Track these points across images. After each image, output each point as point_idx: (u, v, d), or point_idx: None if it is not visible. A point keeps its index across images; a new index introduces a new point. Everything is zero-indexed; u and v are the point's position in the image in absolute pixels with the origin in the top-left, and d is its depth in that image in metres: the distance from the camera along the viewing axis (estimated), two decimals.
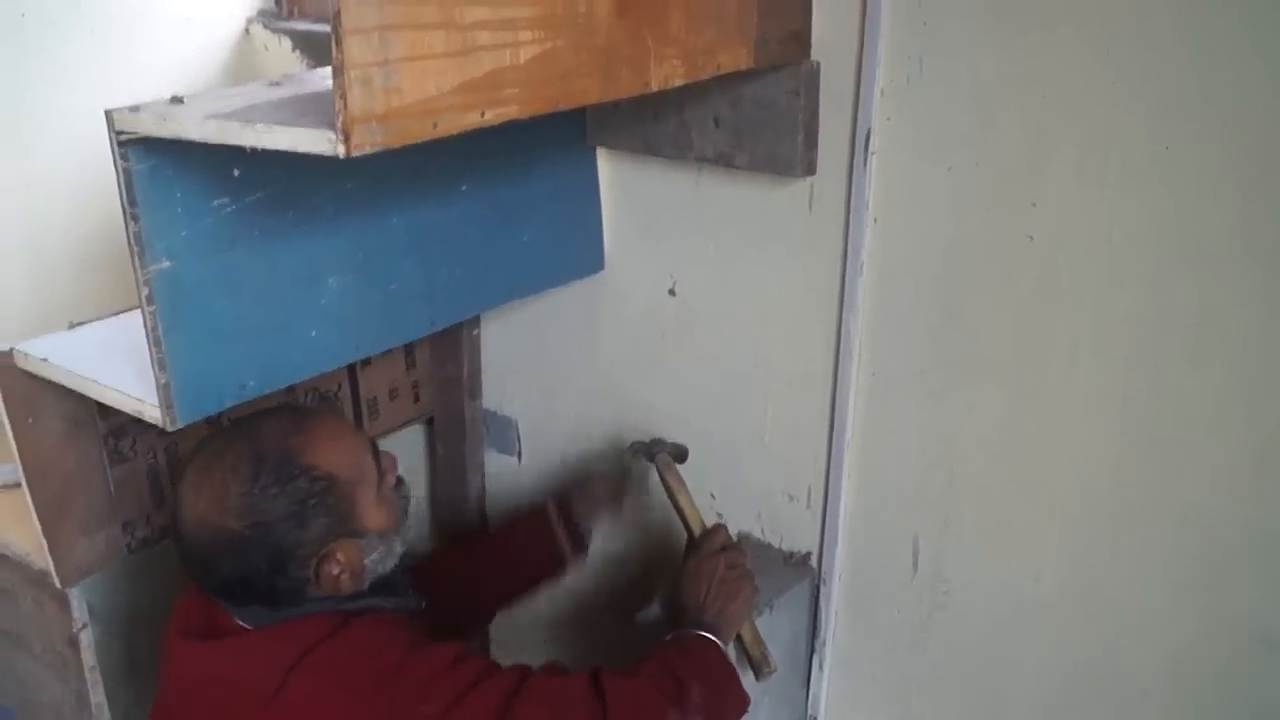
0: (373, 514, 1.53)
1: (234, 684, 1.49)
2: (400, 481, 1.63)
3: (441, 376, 2.25)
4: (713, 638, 1.65)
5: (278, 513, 1.45)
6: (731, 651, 1.73)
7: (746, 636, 1.79)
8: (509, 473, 2.41)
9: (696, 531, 1.83)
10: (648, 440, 1.96)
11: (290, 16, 2.60)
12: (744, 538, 2.06)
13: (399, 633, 1.56)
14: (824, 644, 2.00)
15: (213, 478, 1.47)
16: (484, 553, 2.07)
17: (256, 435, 1.49)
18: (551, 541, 2.01)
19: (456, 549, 2.12)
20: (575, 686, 1.52)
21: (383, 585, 1.59)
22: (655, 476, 1.90)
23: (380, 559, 1.55)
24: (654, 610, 1.86)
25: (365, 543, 1.52)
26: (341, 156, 1.06)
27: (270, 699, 1.44)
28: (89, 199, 2.33)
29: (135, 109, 1.28)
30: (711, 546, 1.76)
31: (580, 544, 2.04)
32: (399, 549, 1.59)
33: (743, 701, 1.67)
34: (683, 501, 1.85)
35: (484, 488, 2.48)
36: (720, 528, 1.82)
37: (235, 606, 1.52)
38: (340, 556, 1.49)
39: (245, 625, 1.52)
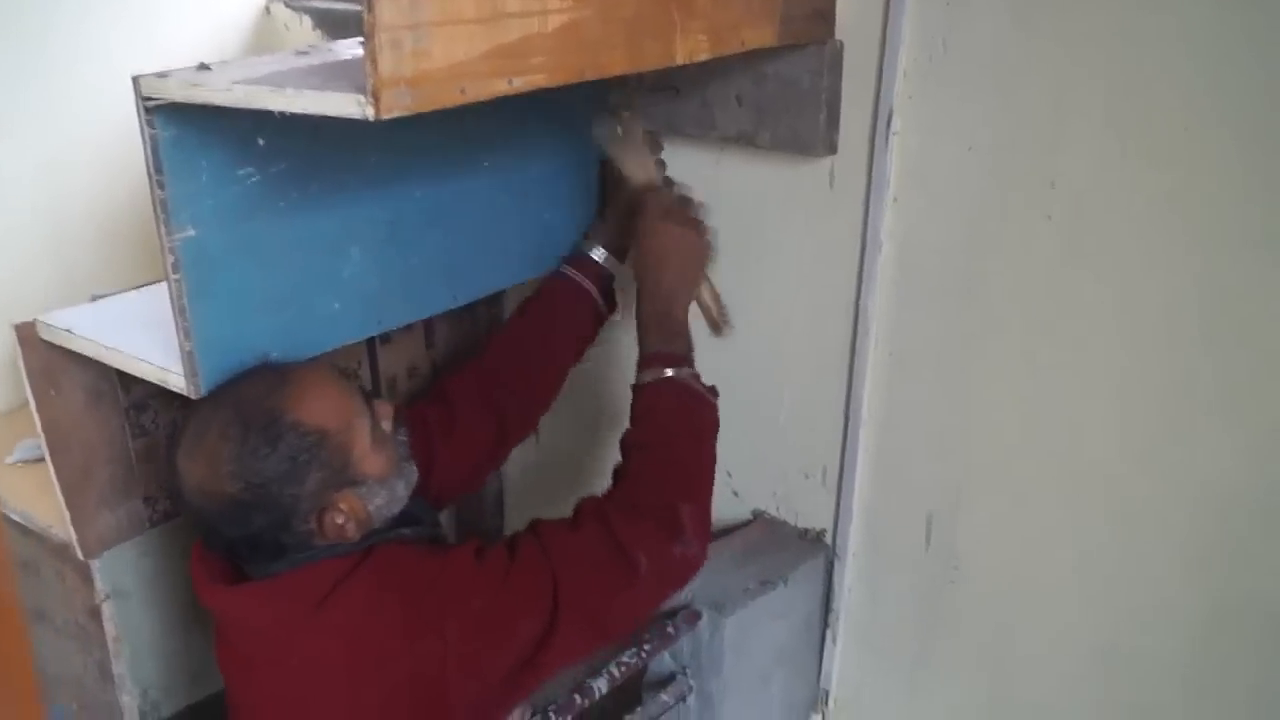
0: (370, 460, 1.53)
1: (259, 624, 1.53)
2: (397, 425, 1.62)
3: (461, 355, 2.25)
4: (678, 374, 1.66)
5: (271, 473, 1.45)
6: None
7: (705, 295, 1.78)
8: (526, 454, 2.41)
9: (632, 180, 1.80)
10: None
11: None
12: (759, 515, 2.07)
13: (419, 548, 1.58)
14: (838, 618, 2.01)
15: (204, 446, 1.47)
16: (524, 340, 1.97)
17: (239, 399, 1.48)
18: (586, 304, 1.96)
19: (497, 349, 1.99)
20: (595, 540, 1.55)
21: (398, 520, 1.60)
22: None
23: (384, 504, 1.56)
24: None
25: (366, 490, 1.52)
26: (371, 119, 1.06)
27: (298, 634, 1.48)
28: (110, 174, 2.34)
29: (163, 75, 1.28)
30: (658, 205, 1.75)
31: (610, 299, 1.99)
32: (402, 492, 1.59)
33: (714, 423, 1.69)
34: (632, 150, 1.80)
35: (501, 469, 2.48)
36: (668, 181, 1.78)
37: (247, 563, 1.54)
38: (342, 506, 1.50)
39: (261, 576, 1.53)
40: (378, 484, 1.54)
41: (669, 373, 1.65)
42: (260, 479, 1.45)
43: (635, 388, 1.68)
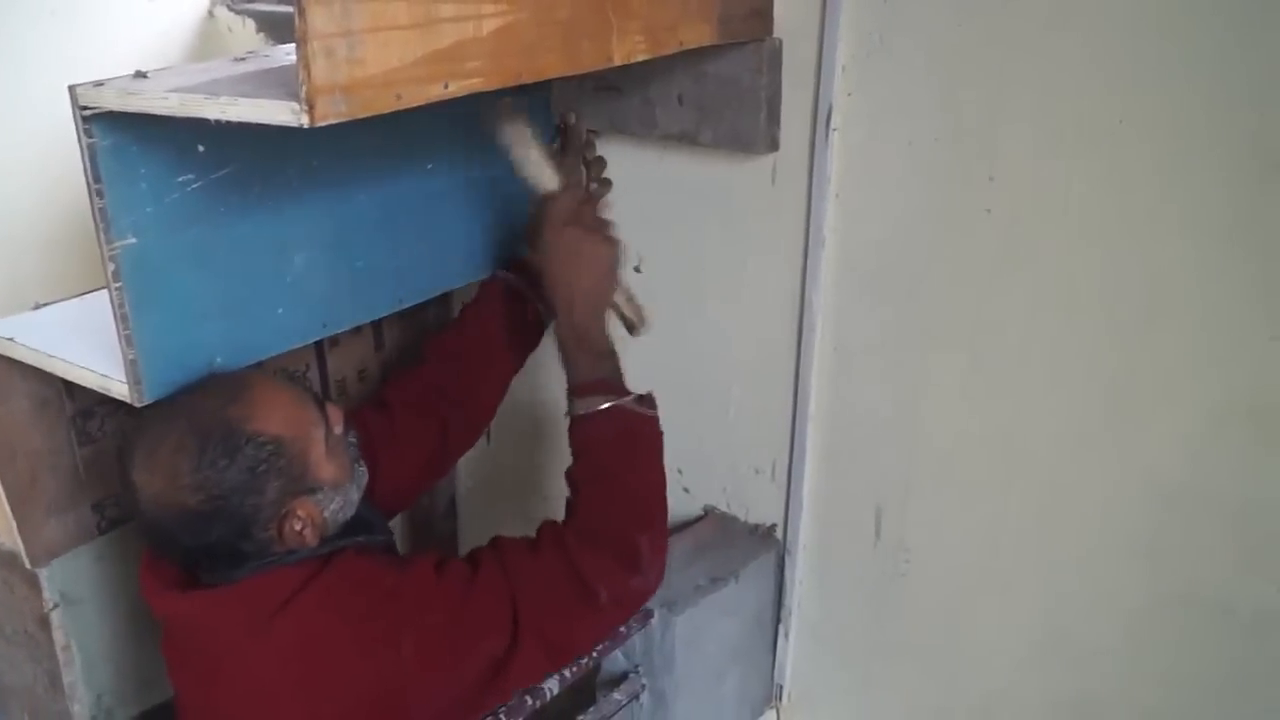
0: (325, 467, 1.54)
1: (215, 631, 1.52)
2: (347, 428, 1.63)
3: (410, 357, 2.25)
4: (614, 403, 1.64)
5: (231, 484, 1.45)
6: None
7: (619, 300, 1.75)
8: (478, 454, 2.41)
9: (546, 187, 1.69)
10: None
11: None
12: (710, 511, 2.08)
13: (379, 558, 1.60)
14: (790, 613, 2.02)
15: (161, 458, 1.47)
16: (463, 347, 1.96)
17: (195, 410, 1.48)
18: (523, 307, 1.95)
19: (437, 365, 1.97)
20: (556, 570, 1.56)
21: (352, 526, 1.61)
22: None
23: (339, 508, 1.57)
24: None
25: (322, 496, 1.53)
26: (305, 127, 1.07)
27: (255, 642, 1.48)
28: (52, 183, 2.32)
29: (99, 84, 1.29)
30: (559, 214, 1.66)
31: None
32: (355, 495, 1.60)
33: (658, 442, 1.69)
34: (529, 155, 1.69)
35: (453, 472, 2.48)
36: (569, 187, 1.70)
37: (203, 571, 1.54)
38: (300, 513, 1.50)
39: (218, 581, 1.53)
40: (333, 490, 1.56)
41: (605, 404, 1.63)
42: (221, 490, 1.45)
43: (571, 419, 1.66)
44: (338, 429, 1.59)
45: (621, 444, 1.65)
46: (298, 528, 1.51)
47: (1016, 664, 1.78)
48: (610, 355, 1.68)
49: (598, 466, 1.64)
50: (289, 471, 1.49)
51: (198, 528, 1.47)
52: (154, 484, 1.48)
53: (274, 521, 1.50)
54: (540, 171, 1.69)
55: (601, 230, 1.69)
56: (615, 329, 1.75)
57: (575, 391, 1.66)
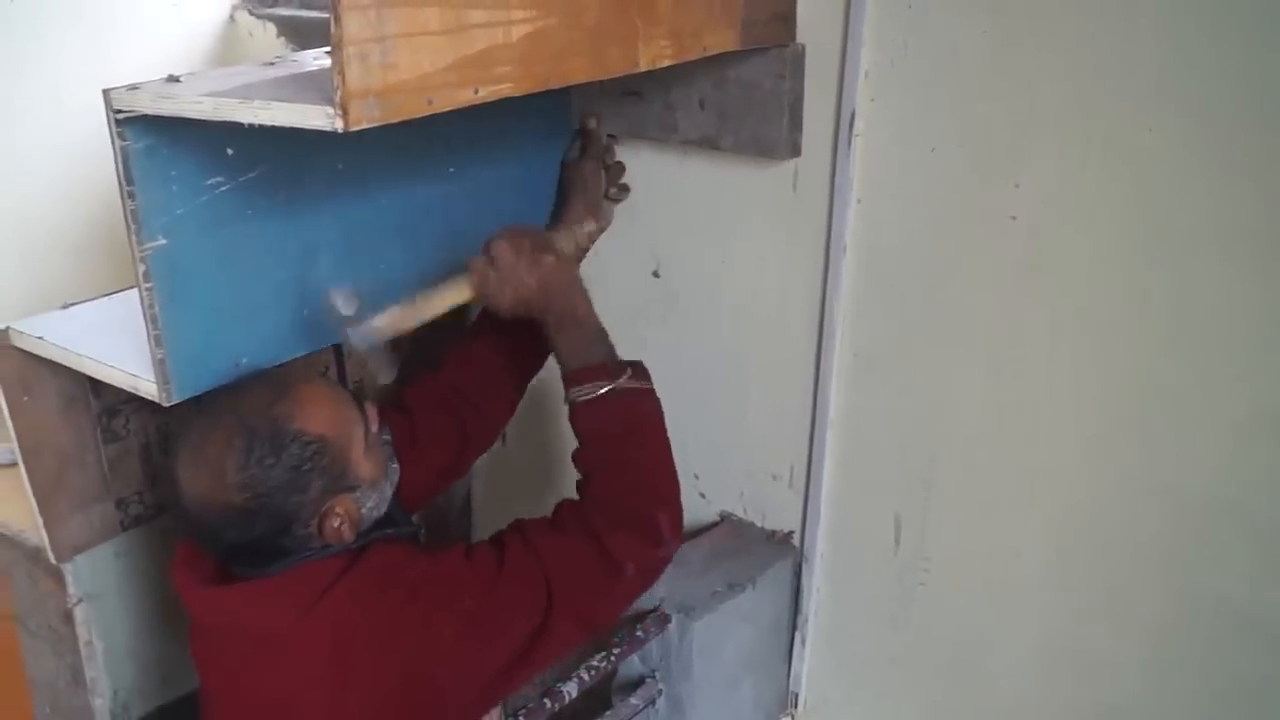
0: (364, 466, 1.56)
1: (252, 626, 1.55)
2: (381, 425, 1.64)
3: (427, 359, 2.26)
4: (612, 386, 1.63)
5: (275, 482, 1.48)
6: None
7: (584, 239, 1.89)
8: (493, 454, 2.42)
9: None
10: None
11: (275, 3, 2.61)
12: (727, 517, 2.09)
13: (408, 548, 1.62)
14: (806, 621, 2.02)
15: (207, 456, 1.49)
16: (481, 349, 1.96)
17: (242, 409, 1.50)
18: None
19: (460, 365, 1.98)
20: (583, 546, 1.57)
21: (381, 521, 1.63)
22: None
23: (375, 505, 1.59)
24: None
25: (360, 494, 1.56)
26: (340, 131, 1.08)
27: (291, 633, 1.51)
28: (78, 185, 2.34)
29: (133, 88, 1.30)
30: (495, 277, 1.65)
31: None
32: (389, 491, 1.63)
33: (659, 413, 1.68)
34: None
35: (470, 471, 2.49)
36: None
37: (241, 565, 1.56)
38: (339, 510, 1.53)
39: (254, 575, 1.55)
40: (370, 488, 1.58)
41: (604, 389, 1.63)
42: (265, 488, 1.48)
43: (571, 406, 1.65)
44: (375, 427, 1.61)
45: (627, 427, 1.65)
46: (336, 524, 1.53)
47: (1036, 676, 1.78)
48: (600, 335, 1.67)
49: (607, 452, 1.65)
50: (331, 470, 1.52)
51: (241, 524, 1.49)
52: (199, 481, 1.50)
53: (314, 518, 1.52)
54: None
55: (530, 247, 1.65)
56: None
57: (572, 379, 1.66)
